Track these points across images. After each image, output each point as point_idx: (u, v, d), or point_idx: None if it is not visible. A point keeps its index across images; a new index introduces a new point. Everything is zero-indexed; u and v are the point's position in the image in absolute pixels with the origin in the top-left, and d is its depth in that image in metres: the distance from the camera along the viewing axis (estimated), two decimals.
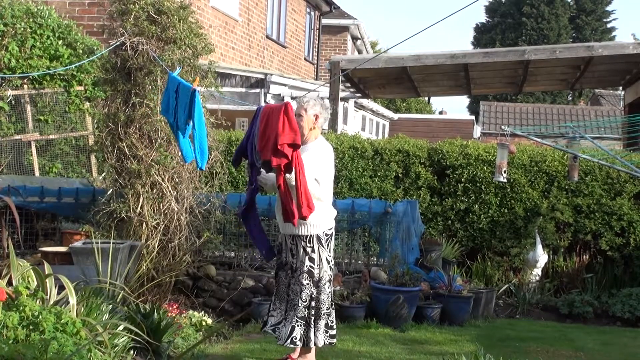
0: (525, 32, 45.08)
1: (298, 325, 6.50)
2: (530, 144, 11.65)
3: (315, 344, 6.56)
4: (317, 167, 6.53)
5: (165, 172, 7.94)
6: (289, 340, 6.50)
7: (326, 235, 6.61)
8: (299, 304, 6.51)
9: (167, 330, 6.60)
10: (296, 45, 24.98)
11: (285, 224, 6.57)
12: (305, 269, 6.52)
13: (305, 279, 6.52)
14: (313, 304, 6.53)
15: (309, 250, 6.54)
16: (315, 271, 6.53)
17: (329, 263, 6.62)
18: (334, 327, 6.73)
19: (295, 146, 6.27)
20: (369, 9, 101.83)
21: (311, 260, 6.54)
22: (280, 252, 6.78)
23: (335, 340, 6.72)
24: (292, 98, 16.18)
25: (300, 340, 6.51)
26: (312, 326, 6.53)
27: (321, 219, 6.56)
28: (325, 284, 6.59)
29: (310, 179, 6.41)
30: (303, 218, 6.34)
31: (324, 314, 6.59)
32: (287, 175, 6.28)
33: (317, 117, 6.67)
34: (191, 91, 6.40)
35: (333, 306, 6.74)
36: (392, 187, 11.13)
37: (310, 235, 6.54)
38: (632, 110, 15.84)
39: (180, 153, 6.96)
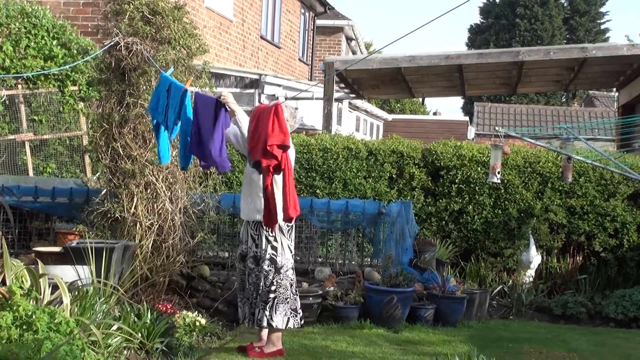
0: (519, 33, 45.13)
1: (263, 309, 6.89)
2: (524, 145, 11.66)
3: (276, 326, 6.93)
4: None
5: (160, 172, 7.94)
6: (263, 322, 6.91)
7: (288, 225, 6.99)
8: (263, 289, 6.89)
9: (160, 331, 6.61)
10: (290, 45, 24.98)
11: (249, 210, 6.94)
12: (268, 256, 6.90)
13: (267, 266, 6.89)
14: (273, 288, 6.89)
15: (271, 238, 6.91)
16: (278, 259, 6.93)
17: (291, 252, 7.05)
18: (300, 313, 7.12)
19: (284, 147, 6.34)
20: (363, 10, 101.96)
21: (273, 248, 6.92)
22: (240, 244, 7.22)
23: (301, 323, 7.16)
24: (286, 99, 16.19)
25: (265, 322, 6.90)
26: (274, 309, 6.90)
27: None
28: (287, 271, 6.99)
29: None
30: (289, 219, 6.56)
31: (286, 299, 6.97)
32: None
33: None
34: (182, 91, 6.41)
35: (297, 294, 7.17)
36: (386, 187, 11.13)
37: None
38: (625, 111, 15.88)
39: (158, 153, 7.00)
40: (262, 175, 6.53)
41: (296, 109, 7.26)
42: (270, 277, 6.88)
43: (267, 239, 6.90)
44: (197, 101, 6.67)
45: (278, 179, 6.55)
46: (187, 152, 6.77)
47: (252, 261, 7.00)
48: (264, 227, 6.84)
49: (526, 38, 44.61)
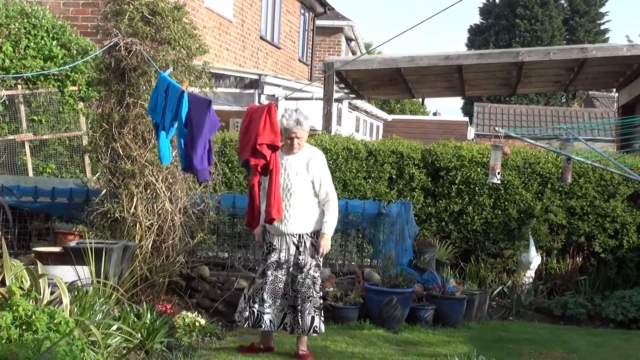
0: (519, 33, 45.12)
1: (316, 315, 6.92)
2: (524, 146, 11.65)
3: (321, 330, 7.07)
4: (327, 171, 6.98)
5: (159, 173, 7.94)
6: (311, 330, 6.91)
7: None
8: (314, 295, 6.93)
9: (160, 331, 6.61)
10: (290, 46, 24.99)
11: (294, 224, 6.86)
12: (315, 262, 6.96)
13: (316, 272, 6.97)
14: (322, 294, 7.07)
15: (316, 244, 6.97)
16: (321, 264, 7.11)
17: None
18: None
19: (274, 148, 6.35)
20: (363, 10, 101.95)
21: (318, 253, 7.00)
22: (272, 252, 7.00)
23: None
24: (286, 99, 16.19)
25: (320, 328, 6.97)
26: (321, 314, 7.02)
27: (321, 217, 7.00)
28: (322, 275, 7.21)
29: (329, 185, 6.90)
30: (271, 221, 6.51)
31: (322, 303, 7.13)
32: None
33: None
34: (180, 92, 6.39)
35: None
36: (386, 188, 11.12)
37: (317, 232, 6.97)
38: (625, 112, 15.88)
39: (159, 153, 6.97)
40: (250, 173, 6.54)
41: (297, 110, 7.24)
42: (319, 283, 7.00)
43: (312, 245, 6.94)
44: (190, 104, 6.46)
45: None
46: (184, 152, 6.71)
47: (295, 268, 6.95)
48: (309, 234, 6.92)
49: (526, 38, 44.60)
